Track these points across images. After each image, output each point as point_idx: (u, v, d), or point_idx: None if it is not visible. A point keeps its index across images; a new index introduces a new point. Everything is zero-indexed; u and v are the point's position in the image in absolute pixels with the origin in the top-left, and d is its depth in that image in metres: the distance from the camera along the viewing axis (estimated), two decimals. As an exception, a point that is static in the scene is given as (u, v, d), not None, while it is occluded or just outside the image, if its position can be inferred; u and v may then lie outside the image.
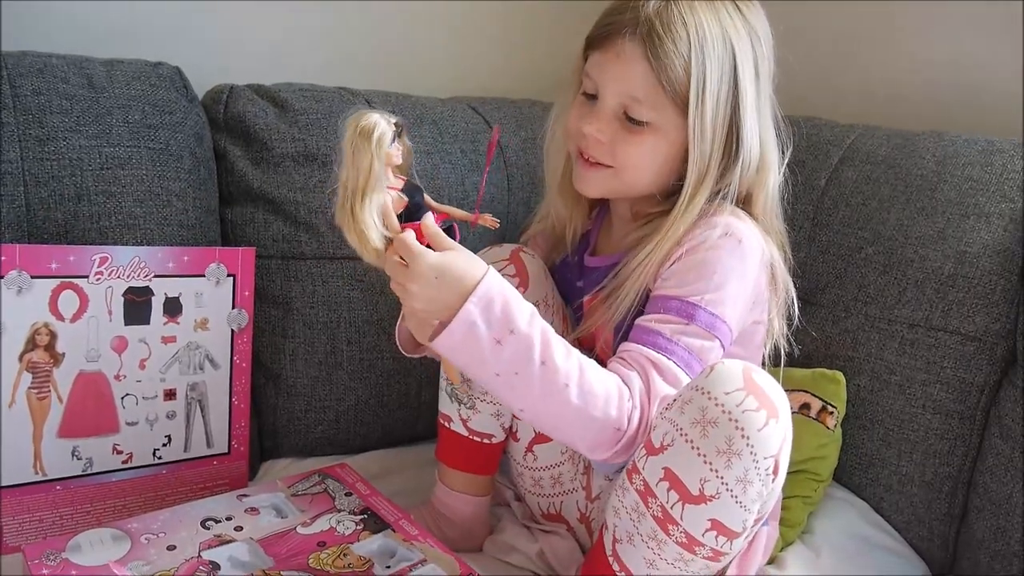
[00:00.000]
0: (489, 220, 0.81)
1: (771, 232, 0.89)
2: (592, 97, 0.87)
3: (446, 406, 0.98)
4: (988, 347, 1.00)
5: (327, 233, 1.11)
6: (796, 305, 0.90)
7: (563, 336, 0.77)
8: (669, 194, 0.87)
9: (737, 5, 0.84)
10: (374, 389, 1.14)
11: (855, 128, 1.19)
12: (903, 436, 1.04)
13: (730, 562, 0.76)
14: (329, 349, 1.11)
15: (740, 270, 0.82)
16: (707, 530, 0.71)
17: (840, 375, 1.07)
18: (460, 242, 0.78)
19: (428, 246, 0.75)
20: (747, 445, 0.69)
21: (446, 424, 0.98)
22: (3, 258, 0.86)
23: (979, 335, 1.01)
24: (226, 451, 1.02)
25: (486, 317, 0.72)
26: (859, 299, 1.09)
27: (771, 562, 0.96)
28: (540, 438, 0.96)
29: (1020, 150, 1.05)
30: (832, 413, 1.05)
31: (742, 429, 0.69)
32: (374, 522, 0.87)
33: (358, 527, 0.86)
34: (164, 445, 0.98)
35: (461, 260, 0.74)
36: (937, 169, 1.07)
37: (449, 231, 0.79)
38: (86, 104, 0.99)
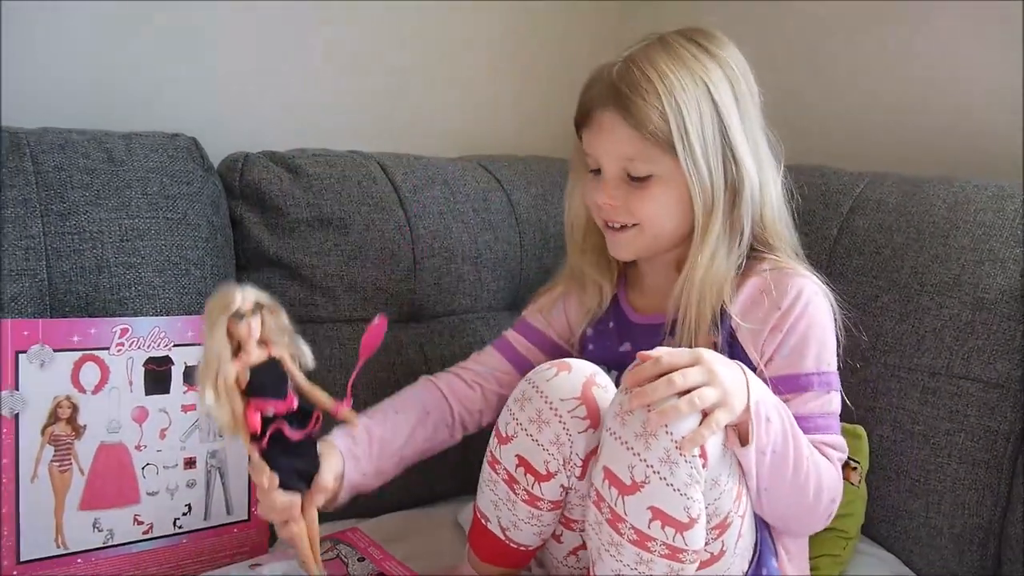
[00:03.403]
0: (350, 415, 0.82)
1: (780, 240, 0.92)
2: (597, 172, 0.92)
3: (487, 507, 0.90)
4: (1012, 394, 0.99)
5: (343, 296, 1.12)
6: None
7: None
8: None
9: (698, 42, 0.88)
10: (392, 450, 1.13)
11: (864, 176, 1.20)
12: (929, 487, 1.02)
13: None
14: (347, 411, 1.11)
15: (827, 320, 0.90)
16: (651, 520, 0.73)
17: (861, 429, 1.05)
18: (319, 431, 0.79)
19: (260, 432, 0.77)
20: (663, 427, 0.72)
21: (483, 522, 0.91)
22: (25, 333, 0.87)
23: (1002, 382, 0.99)
24: (246, 518, 1.02)
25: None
26: (877, 348, 1.08)
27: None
28: (584, 545, 0.89)
29: (1031, 194, 1.05)
30: (856, 468, 1.03)
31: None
32: (390, 588, 0.86)
33: (373, 593, 0.85)
34: (184, 514, 0.98)
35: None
36: (949, 215, 1.07)
37: (307, 416, 0.79)
38: (106, 178, 1.01)
